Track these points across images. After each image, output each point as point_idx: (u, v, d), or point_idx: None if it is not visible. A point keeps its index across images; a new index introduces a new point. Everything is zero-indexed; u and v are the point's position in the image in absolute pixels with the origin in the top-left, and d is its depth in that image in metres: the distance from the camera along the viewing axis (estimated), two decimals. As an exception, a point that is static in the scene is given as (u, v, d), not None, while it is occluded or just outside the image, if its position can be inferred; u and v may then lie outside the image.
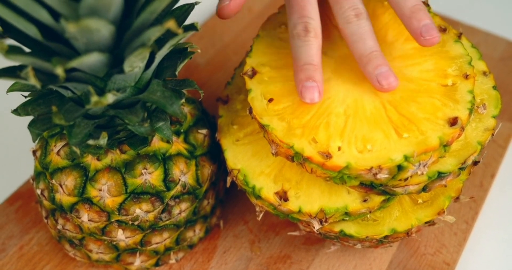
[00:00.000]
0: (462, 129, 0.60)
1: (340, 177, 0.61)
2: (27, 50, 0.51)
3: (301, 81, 0.62)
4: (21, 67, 0.51)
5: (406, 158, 0.59)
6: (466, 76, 0.64)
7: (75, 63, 0.48)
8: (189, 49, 0.62)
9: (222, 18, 0.68)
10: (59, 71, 0.47)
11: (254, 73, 0.66)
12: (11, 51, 0.47)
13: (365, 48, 0.63)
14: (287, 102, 0.64)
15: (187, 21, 0.60)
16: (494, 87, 0.68)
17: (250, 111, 0.65)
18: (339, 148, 0.60)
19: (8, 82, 0.59)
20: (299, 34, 0.63)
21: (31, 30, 0.48)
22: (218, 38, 1.06)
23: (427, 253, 0.78)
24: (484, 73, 0.69)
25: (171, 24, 0.48)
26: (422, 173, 0.60)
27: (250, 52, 0.68)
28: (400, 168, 0.59)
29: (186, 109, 0.70)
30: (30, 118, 0.59)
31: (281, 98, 0.64)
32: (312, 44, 0.63)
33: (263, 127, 0.63)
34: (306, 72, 0.62)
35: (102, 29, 0.47)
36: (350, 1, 0.64)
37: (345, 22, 0.64)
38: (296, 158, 0.62)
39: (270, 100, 0.64)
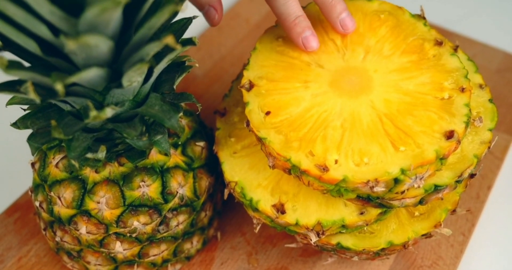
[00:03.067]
0: (459, 142, 0.61)
1: (337, 190, 0.61)
2: (26, 64, 0.52)
3: (299, 34, 0.66)
4: (21, 82, 0.51)
5: (403, 171, 0.59)
6: (462, 89, 0.64)
7: (74, 79, 0.48)
8: (187, 63, 0.62)
9: (215, 26, 0.73)
10: (59, 87, 0.47)
11: (251, 86, 0.66)
12: (11, 66, 0.47)
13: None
14: (284, 115, 0.64)
15: (185, 33, 0.61)
16: (490, 100, 0.69)
17: (248, 124, 0.65)
18: (336, 161, 0.60)
19: (5, 95, 0.60)
20: None
21: (31, 45, 0.48)
22: (215, 50, 1.07)
23: (424, 265, 0.78)
24: (481, 86, 0.70)
25: (169, 39, 0.48)
26: (419, 186, 0.60)
27: (248, 65, 0.69)
28: (396, 181, 0.60)
29: (184, 121, 0.71)
30: (29, 130, 0.60)
31: (278, 111, 0.64)
32: (294, 0, 0.67)
33: (260, 140, 0.64)
34: (300, 24, 0.66)
35: (101, 45, 0.47)
36: None
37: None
38: (293, 171, 0.62)
39: (268, 113, 0.64)
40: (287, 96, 0.65)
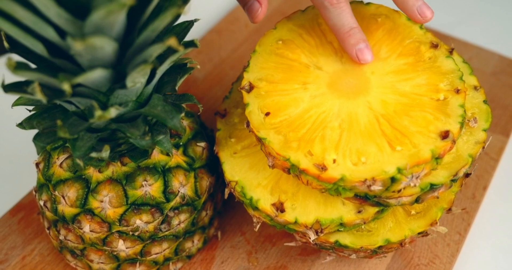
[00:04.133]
0: (454, 142, 0.62)
1: (335, 188, 0.63)
2: (33, 66, 0.53)
3: (353, 46, 0.65)
4: (28, 83, 0.52)
5: (399, 170, 0.60)
6: (458, 91, 0.65)
7: (80, 79, 0.50)
8: (188, 65, 0.64)
9: (256, 22, 0.72)
10: (66, 86, 0.48)
11: (251, 87, 0.68)
12: (18, 67, 0.48)
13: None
14: (283, 116, 0.65)
15: (186, 37, 0.62)
16: (485, 101, 0.70)
17: (248, 125, 0.67)
18: (334, 161, 0.62)
19: (11, 97, 0.61)
20: (332, 3, 0.65)
21: (38, 47, 0.50)
22: (216, 53, 1.08)
23: (421, 263, 0.79)
24: (475, 88, 0.71)
25: (172, 41, 0.50)
26: (415, 185, 0.61)
27: (248, 67, 0.70)
28: (393, 180, 0.61)
29: (185, 122, 0.72)
30: (32, 131, 0.61)
31: (277, 112, 0.66)
32: (347, 9, 0.66)
33: (260, 140, 0.65)
34: (354, 36, 0.65)
35: (106, 46, 0.49)
36: None
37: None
38: (292, 170, 0.64)
39: (267, 114, 0.66)
40: (286, 97, 0.67)
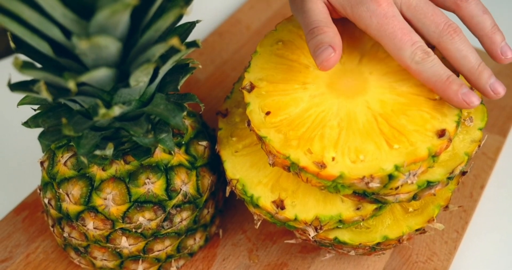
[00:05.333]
0: (450, 140, 0.63)
1: (334, 186, 0.64)
2: (38, 65, 0.54)
3: (457, 92, 0.64)
4: (33, 82, 0.54)
5: (397, 168, 0.62)
6: (454, 91, 0.67)
7: (85, 78, 0.51)
8: (190, 65, 0.65)
9: (325, 70, 0.65)
10: (71, 85, 0.50)
11: (252, 87, 0.69)
12: (25, 66, 0.50)
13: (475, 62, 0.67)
14: (283, 115, 0.66)
15: (188, 39, 0.63)
16: (481, 101, 0.71)
17: (249, 124, 0.68)
18: (333, 159, 0.63)
19: (15, 96, 0.62)
20: (423, 58, 0.65)
21: (44, 47, 0.51)
22: (217, 55, 1.09)
23: (419, 261, 0.81)
24: (471, 88, 0.72)
25: (175, 41, 0.51)
26: (412, 182, 0.62)
27: (248, 68, 0.71)
28: (391, 177, 0.62)
29: (187, 122, 0.73)
30: (35, 130, 0.62)
31: (278, 111, 0.67)
32: (438, 61, 0.65)
33: (261, 139, 0.66)
34: (455, 82, 0.64)
35: (110, 46, 0.50)
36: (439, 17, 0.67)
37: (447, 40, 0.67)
38: (292, 168, 0.65)
39: (268, 113, 0.67)
40: (286, 97, 0.68)
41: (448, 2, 0.69)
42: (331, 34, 0.65)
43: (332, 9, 0.70)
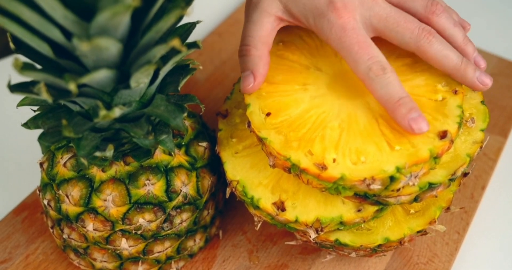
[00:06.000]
0: (452, 142, 0.63)
1: (335, 187, 0.63)
2: (38, 66, 0.54)
3: (405, 116, 0.62)
4: (33, 83, 0.53)
5: (398, 169, 0.61)
6: (455, 92, 0.66)
7: (85, 80, 0.51)
8: (190, 66, 0.65)
9: (244, 93, 0.69)
10: (72, 86, 0.49)
11: None
12: (25, 67, 0.49)
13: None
14: (284, 116, 0.66)
15: (188, 39, 0.63)
16: (482, 102, 0.71)
17: (249, 125, 0.68)
18: (334, 160, 0.63)
19: (15, 97, 0.62)
20: (378, 74, 0.64)
21: (44, 48, 0.51)
22: (216, 55, 1.09)
23: (420, 262, 0.80)
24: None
25: (175, 42, 0.51)
26: (414, 184, 0.62)
27: None
28: (392, 179, 0.62)
29: (187, 123, 0.73)
30: (35, 131, 0.62)
31: (278, 112, 0.67)
32: (394, 79, 0.64)
33: (261, 140, 0.66)
34: (405, 106, 0.63)
35: (111, 47, 0.50)
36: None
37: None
38: (293, 169, 0.64)
39: (268, 114, 0.66)
40: (286, 98, 0.68)
41: (419, 15, 0.69)
42: (256, 59, 0.68)
43: (294, 20, 0.70)
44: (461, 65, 0.67)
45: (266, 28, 0.70)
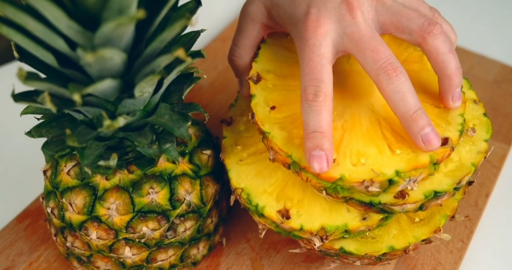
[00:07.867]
0: (452, 149, 0.63)
1: (334, 187, 0.63)
2: (42, 76, 0.54)
3: (309, 150, 0.61)
4: (37, 92, 0.53)
5: (397, 173, 0.61)
6: (458, 100, 0.66)
7: (90, 90, 0.51)
8: (195, 75, 0.65)
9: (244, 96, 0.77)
10: (77, 97, 0.49)
11: (259, 78, 0.69)
12: (29, 77, 0.49)
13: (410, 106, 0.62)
14: (288, 111, 0.66)
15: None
16: (485, 114, 0.71)
17: (252, 116, 0.67)
18: (334, 160, 0.62)
19: (19, 105, 0.62)
20: (307, 98, 0.61)
21: (48, 58, 0.51)
22: (220, 61, 1.09)
23: (424, 270, 0.80)
24: (475, 101, 0.72)
25: (180, 52, 0.50)
26: (412, 189, 0.62)
27: (257, 57, 0.71)
28: (391, 182, 0.62)
29: (191, 131, 0.73)
30: (39, 139, 0.62)
31: (283, 107, 0.66)
32: (320, 110, 0.61)
33: (263, 133, 0.65)
34: (313, 140, 0.60)
35: (116, 57, 0.50)
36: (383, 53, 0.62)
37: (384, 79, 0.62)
38: (293, 166, 0.64)
39: (273, 108, 0.66)
40: (292, 93, 0.67)
41: (414, 34, 0.64)
42: (241, 68, 0.74)
43: (279, 26, 0.71)
44: (411, 115, 0.62)
45: (253, 35, 0.72)
